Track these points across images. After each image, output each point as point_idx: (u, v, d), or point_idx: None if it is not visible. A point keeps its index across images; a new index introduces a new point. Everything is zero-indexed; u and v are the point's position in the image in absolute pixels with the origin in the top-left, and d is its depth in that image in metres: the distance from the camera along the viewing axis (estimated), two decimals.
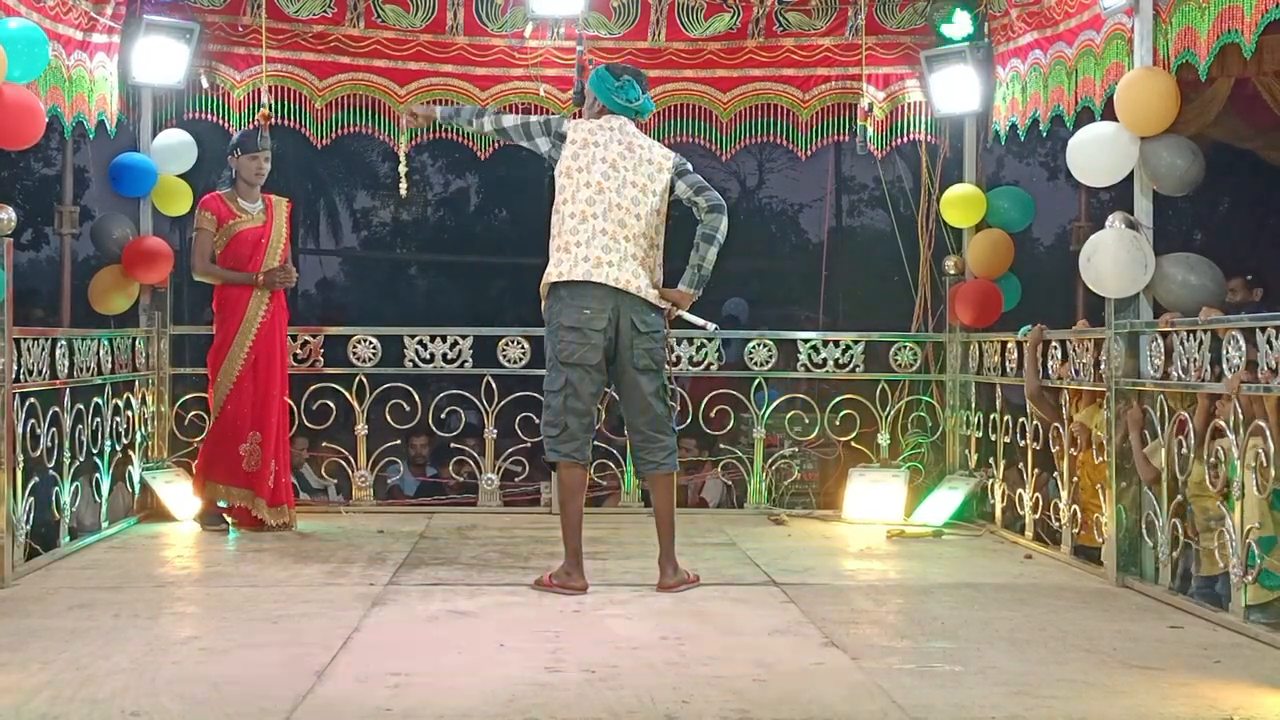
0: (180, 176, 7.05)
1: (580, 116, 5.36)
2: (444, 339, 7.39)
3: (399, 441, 7.75)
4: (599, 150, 4.99)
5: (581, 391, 4.96)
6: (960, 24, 6.99)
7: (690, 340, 7.32)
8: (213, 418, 6.46)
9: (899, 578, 5.56)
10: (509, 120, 5.17)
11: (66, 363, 5.70)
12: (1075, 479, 5.84)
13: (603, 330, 4.91)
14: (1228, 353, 4.48)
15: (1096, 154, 5.47)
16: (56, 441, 5.62)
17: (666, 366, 5.15)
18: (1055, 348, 6.02)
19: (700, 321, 5.29)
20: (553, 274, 4.97)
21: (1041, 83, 6.38)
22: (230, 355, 6.35)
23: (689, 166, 5.14)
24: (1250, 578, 4.44)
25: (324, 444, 7.70)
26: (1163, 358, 5.03)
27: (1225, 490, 4.58)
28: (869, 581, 5.40)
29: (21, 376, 5.23)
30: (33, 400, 5.37)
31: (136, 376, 6.76)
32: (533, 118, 5.18)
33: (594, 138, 5.01)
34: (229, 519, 6.41)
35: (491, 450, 7.36)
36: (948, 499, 6.96)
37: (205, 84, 7.07)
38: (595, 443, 5.28)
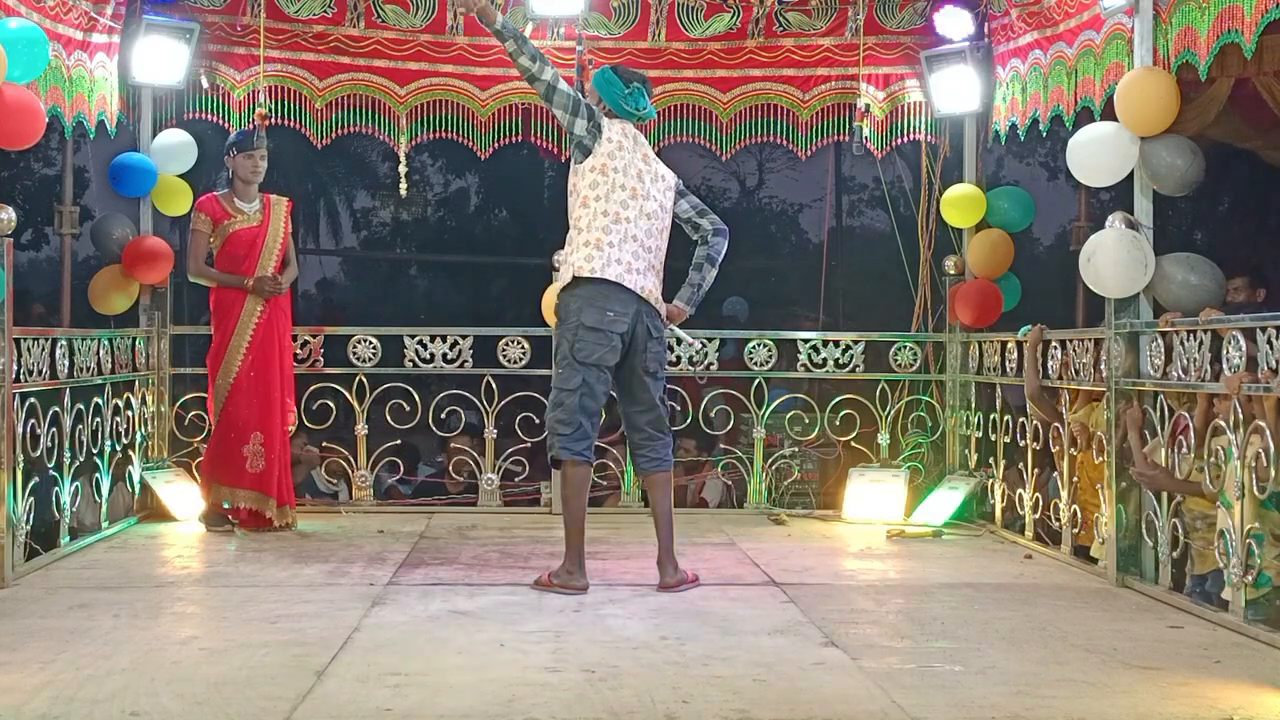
0: (180, 176, 7.05)
1: None
2: (444, 339, 7.39)
3: (399, 441, 7.74)
4: (630, 156, 5.00)
5: (597, 392, 4.97)
6: (960, 24, 6.98)
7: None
8: (214, 420, 6.47)
9: (899, 578, 5.56)
10: (562, 84, 4.95)
11: (66, 363, 5.70)
12: (1075, 479, 5.84)
13: (623, 334, 4.93)
14: (1228, 353, 4.48)
15: (1096, 154, 5.47)
16: (56, 441, 5.62)
17: (666, 367, 5.18)
18: (1055, 348, 6.02)
19: (689, 339, 5.39)
20: (584, 268, 4.91)
21: (1041, 83, 6.38)
22: (227, 357, 6.36)
23: (684, 187, 5.22)
24: (1250, 578, 4.43)
25: (324, 444, 7.70)
26: (1163, 358, 5.04)
27: (1217, 491, 4.59)
28: (869, 581, 5.40)
29: (21, 376, 5.24)
30: (33, 400, 5.37)
31: (136, 376, 6.76)
32: (581, 96, 5.04)
33: (626, 141, 5.01)
34: (233, 520, 6.41)
35: (491, 450, 7.36)
36: (948, 499, 6.96)
37: (205, 84, 7.08)
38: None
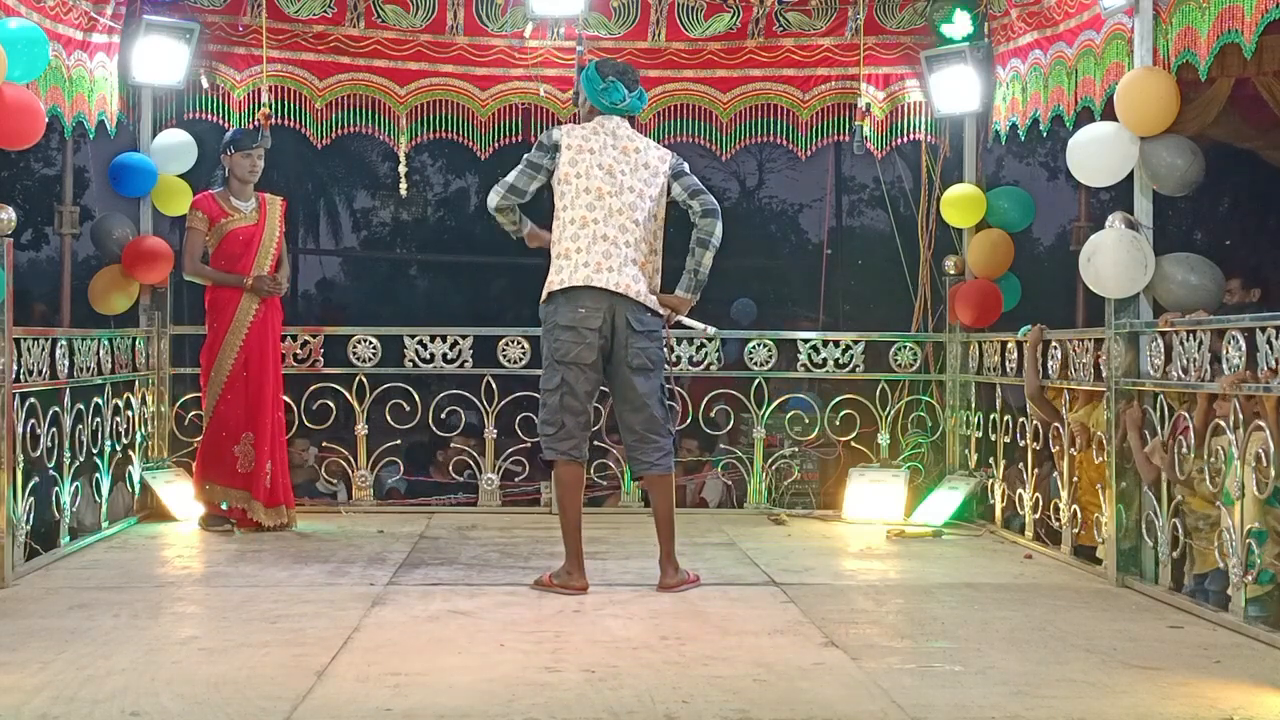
0: (180, 176, 7.05)
1: (579, 117, 5.36)
2: (444, 339, 7.39)
3: (399, 441, 7.75)
4: (594, 157, 4.98)
5: (577, 390, 4.95)
6: (960, 24, 7.00)
7: (690, 340, 7.32)
8: (205, 419, 6.46)
9: (899, 578, 5.56)
10: (516, 179, 4.98)
11: (66, 363, 5.70)
12: (1075, 479, 5.84)
13: (598, 329, 4.90)
14: (1227, 353, 4.48)
15: (1096, 154, 5.47)
16: (56, 441, 5.62)
17: (666, 367, 5.13)
18: (1055, 348, 6.02)
19: (699, 326, 5.33)
20: (554, 282, 4.96)
21: (1041, 83, 6.38)
22: (221, 355, 6.35)
23: (685, 167, 5.13)
24: (1250, 578, 4.43)
25: (324, 444, 7.70)
26: (1162, 358, 5.04)
27: (1217, 491, 4.59)
28: (869, 581, 5.40)
29: (21, 376, 5.24)
30: (33, 400, 5.37)
31: (136, 376, 6.76)
32: (528, 156, 5.03)
33: (588, 144, 4.99)
34: (231, 520, 6.40)
35: (491, 450, 7.36)
36: (948, 499, 6.96)
37: (205, 84, 7.08)
38: (595, 443, 5.27)
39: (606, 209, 4.95)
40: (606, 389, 5.12)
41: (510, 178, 5.02)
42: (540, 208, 5.07)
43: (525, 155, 5.08)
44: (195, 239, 6.42)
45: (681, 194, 5.08)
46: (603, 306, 4.91)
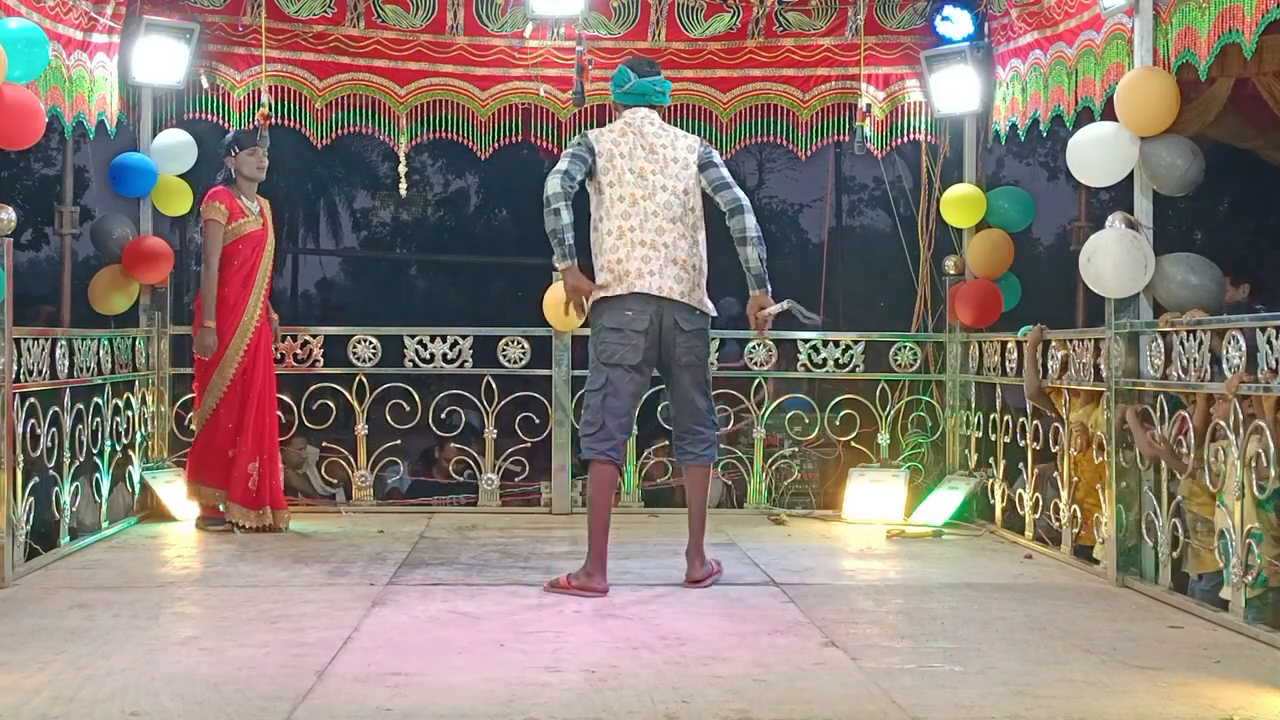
0: (180, 176, 7.05)
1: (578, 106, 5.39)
2: (444, 339, 7.39)
3: (399, 441, 7.74)
4: (624, 161, 4.99)
5: (621, 391, 4.98)
6: (960, 24, 6.99)
7: None
8: (201, 421, 6.41)
9: (899, 578, 5.56)
10: (574, 168, 4.91)
11: (66, 363, 5.70)
12: (1075, 479, 5.84)
13: (644, 331, 4.94)
14: (1228, 353, 4.48)
15: (1096, 154, 5.47)
16: (56, 441, 5.62)
17: (710, 365, 5.18)
18: (1055, 348, 6.01)
19: (779, 307, 5.13)
20: (600, 293, 4.97)
21: (1041, 83, 6.38)
22: (225, 359, 6.31)
23: (713, 157, 5.13)
24: (1250, 578, 4.44)
25: (324, 444, 7.69)
26: (1162, 358, 5.03)
27: (1217, 491, 4.59)
28: (869, 581, 5.40)
29: (21, 376, 5.24)
30: (33, 400, 5.36)
31: (136, 376, 6.76)
32: (569, 151, 4.99)
33: (618, 147, 5.00)
34: (229, 519, 6.38)
35: (491, 450, 7.36)
36: (948, 499, 6.96)
37: (205, 84, 7.08)
38: None
39: (641, 214, 4.97)
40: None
41: (562, 165, 4.91)
42: (535, 202, 5.04)
43: (565, 151, 5.01)
44: (217, 234, 6.27)
45: (706, 188, 5.09)
46: (649, 309, 4.94)
